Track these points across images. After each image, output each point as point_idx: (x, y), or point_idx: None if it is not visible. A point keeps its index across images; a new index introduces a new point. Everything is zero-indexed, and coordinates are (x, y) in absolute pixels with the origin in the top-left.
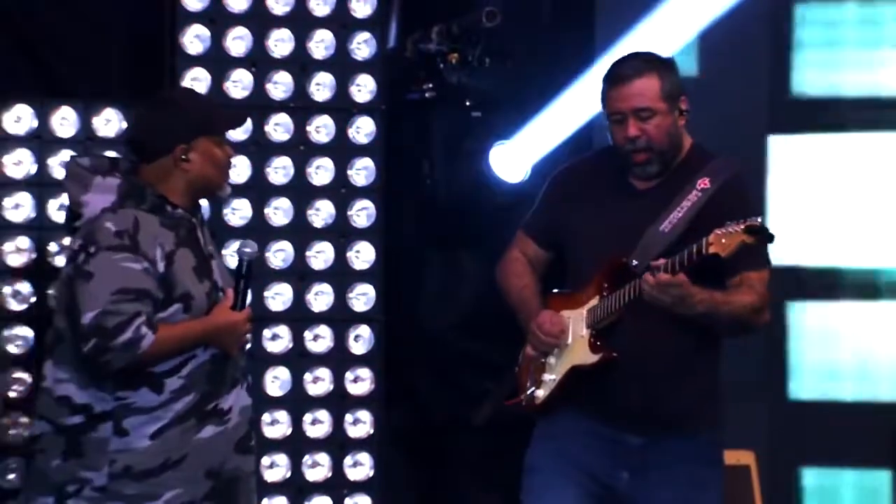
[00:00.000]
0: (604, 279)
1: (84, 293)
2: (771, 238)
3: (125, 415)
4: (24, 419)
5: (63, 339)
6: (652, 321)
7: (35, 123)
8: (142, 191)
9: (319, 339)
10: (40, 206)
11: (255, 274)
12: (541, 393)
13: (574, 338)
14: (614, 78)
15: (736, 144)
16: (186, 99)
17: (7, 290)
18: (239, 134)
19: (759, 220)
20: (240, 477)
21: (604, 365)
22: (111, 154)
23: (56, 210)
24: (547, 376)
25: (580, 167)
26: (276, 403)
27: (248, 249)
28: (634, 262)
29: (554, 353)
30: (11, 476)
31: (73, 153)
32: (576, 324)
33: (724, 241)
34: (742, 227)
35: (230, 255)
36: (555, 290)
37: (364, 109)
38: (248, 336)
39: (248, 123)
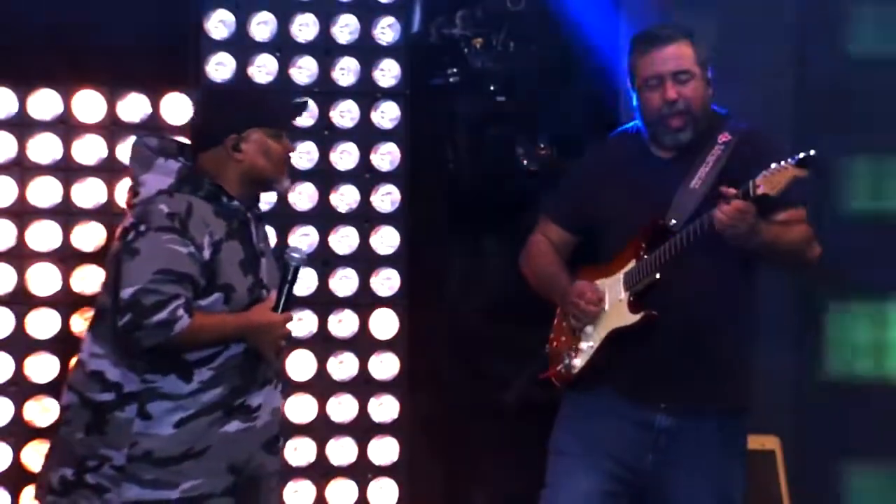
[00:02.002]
0: (641, 241)
1: (128, 269)
2: (824, 164)
3: (151, 398)
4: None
5: (104, 315)
6: (689, 287)
7: (60, 108)
8: (199, 178)
9: (344, 324)
10: (66, 191)
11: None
12: (578, 362)
13: (611, 304)
14: (649, 41)
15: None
16: (242, 89)
17: (33, 275)
18: None
19: (811, 151)
20: (263, 476)
21: (644, 324)
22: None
23: (82, 195)
24: (584, 344)
25: (601, 149)
26: (300, 388)
27: (296, 255)
28: (673, 222)
29: (591, 323)
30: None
31: (99, 138)
32: (612, 290)
33: (772, 180)
34: (792, 162)
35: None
36: (586, 264)
37: (388, 94)
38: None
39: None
